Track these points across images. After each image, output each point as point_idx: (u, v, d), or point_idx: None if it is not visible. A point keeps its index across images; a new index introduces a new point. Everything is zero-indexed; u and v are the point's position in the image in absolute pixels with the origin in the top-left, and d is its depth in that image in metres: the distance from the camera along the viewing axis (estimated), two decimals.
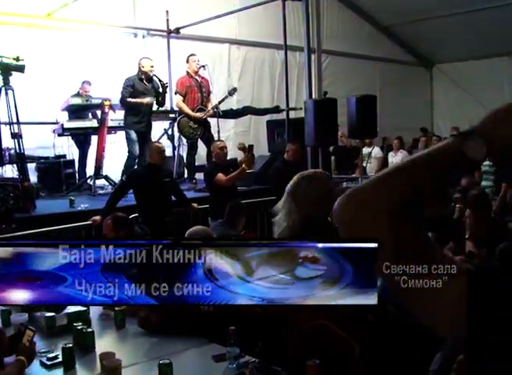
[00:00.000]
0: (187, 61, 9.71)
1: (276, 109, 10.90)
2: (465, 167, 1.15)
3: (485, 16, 13.31)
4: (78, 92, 9.70)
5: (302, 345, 3.47)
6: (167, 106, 10.57)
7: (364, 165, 12.39)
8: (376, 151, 12.83)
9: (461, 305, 0.96)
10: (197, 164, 9.91)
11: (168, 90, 10.80)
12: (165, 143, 10.40)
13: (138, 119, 9.06)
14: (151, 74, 9.07)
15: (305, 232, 3.92)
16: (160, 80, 9.23)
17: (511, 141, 1.08)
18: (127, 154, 9.14)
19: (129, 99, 8.92)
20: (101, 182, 9.35)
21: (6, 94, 7.65)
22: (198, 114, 9.48)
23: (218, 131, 9.48)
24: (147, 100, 8.96)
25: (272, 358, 3.59)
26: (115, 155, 9.51)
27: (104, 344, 3.81)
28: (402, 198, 1.12)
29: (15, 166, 8.21)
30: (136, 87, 8.99)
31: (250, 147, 7.14)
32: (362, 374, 3.38)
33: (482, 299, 0.95)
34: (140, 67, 9.12)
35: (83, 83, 9.73)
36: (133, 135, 9.04)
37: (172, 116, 10.20)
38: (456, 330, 0.98)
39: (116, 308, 4.19)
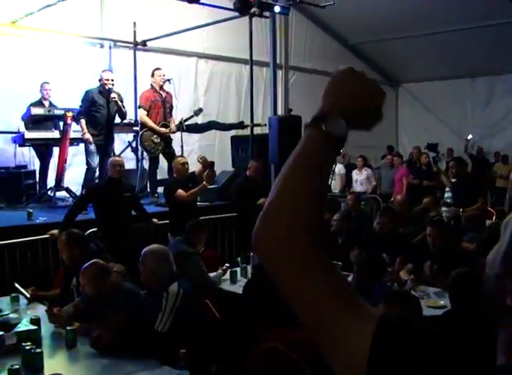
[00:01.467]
0: (152, 75, 9.66)
1: (241, 125, 10.89)
2: (335, 149, 1.09)
3: (449, 38, 13.53)
4: (40, 99, 9.56)
5: (254, 370, 3.45)
6: (131, 119, 10.49)
7: (329, 182, 12.46)
8: (339, 168, 12.95)
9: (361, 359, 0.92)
10: (159, 178, 9.83)
11: (133, 102, 10.81)
12: (129, 155, 10.38)
13: (96, 132, 8.96)
14: (107, 87, 8.94)
15: None
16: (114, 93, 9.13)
17: (356, 101, 1.10)
18: (86, 167, 9.02)
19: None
20: (61, 194, 9.21)
21: None
22: (163, 129, 9.43)
23: (182, 146, 9.42)
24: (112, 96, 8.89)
25: None
26: (76, 168, 9.36)
27: (53, 364, 3.75)
28: (312, 215, 1.04)
29: None
30: (96, 99, 8.90)
31: (212, 163, 7.11)
32: None
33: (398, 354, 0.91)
34: (99, 80, 9.05)
35: (43, 84, 9.62)
36: (92, 147, 8.93)
37: (136, 128, 10.10)
38: None
39: (68, 328, 4.12)
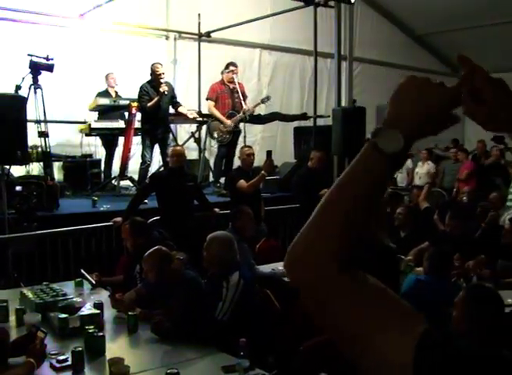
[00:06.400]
0: (227, 67, 9.62)
1: (304, 116, 10.82)
2: (390, 166, 1.02)
3: None
4: (106, 89, 9.72)
5: (314, 359, 3.42)
6: (195, 109, 10.56)
7: (395, 175, 12.23)
8: (408, 162, 12.66)
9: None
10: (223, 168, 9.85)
11: (197, 93, 10.90)
12: (192, 146, 10.46)
13: (156, 125, 9.01)
14: (159, 80, 8.90)
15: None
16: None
17: (417, 117, 1.02)
18: (141, 160, 9.11)
19: (149, 104, 8.84)
20: (125, 183, 9.36)
21: (35, 92, 7.70)
22: (229, 122, 9.43)
23: (245, 136, 9.43)
24: (163, 89, 8.87)
25: (284, 371, 3.53)
26: (140, 158, 9.44)
27: (115, 348, 3.79)
28: (341, 238, 1.00)
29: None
30: (150, 94, 8.91)
31: (269, 152, 7.08)
32: None
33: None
34: (150, 73, 9.03)
35: (108, 74, 9.79)
36: (148, 141, 9.03)
37: (199, 119, 10.17)
38: None
39: (130, 313, 4.16)
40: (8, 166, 7.06)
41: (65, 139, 9.95)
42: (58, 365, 3.46)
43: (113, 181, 9.34)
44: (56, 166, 9.23)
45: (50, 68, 7.72)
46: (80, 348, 3.48)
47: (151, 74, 9.01)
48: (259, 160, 8.26)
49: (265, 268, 5.99)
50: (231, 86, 9.60)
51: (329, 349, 3.48)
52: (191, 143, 10.55)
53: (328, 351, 3.48)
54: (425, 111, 1.02)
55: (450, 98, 1.03)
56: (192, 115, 9.49)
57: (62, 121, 9.50)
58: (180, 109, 9.38)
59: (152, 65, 9.03)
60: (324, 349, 3.52)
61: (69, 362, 3.46)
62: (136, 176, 9.22)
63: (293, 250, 1.02)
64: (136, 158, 9.33)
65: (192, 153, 10.38)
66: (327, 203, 1.02)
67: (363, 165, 1.02)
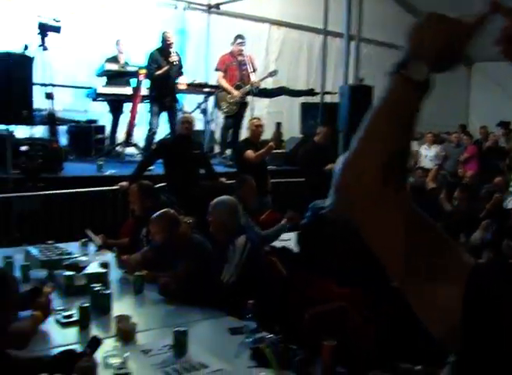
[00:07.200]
0: (234, 40, 9.57)
1: (311, 92, 10.80)
2: (418, 94, 1.04)
3: None
4: (116, 55, 9.61)
5: (319, 326, 3.42)
6: (202, 80, 10.50)
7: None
8: (413, 144, 12.65)
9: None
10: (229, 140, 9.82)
11: (204, 64, 10.84)
12: (199, 117, 10.41)
13: (164, 94, 8.97)
14: (169, 49, 8.92)
15: None
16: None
17: (439, 42, 1.05)
18: (148, 127, 9.08)
19: (157, 72, 8.81)
20: (130, 150, 9.31)
21: (43, 51, 7.61)
22: (236, 92, 9.40)
23: (252, 109, 9.40)
24: (173, 59, 8.85)
25: (290, 335, 3.53)
26: (146, 125, 9.37)
27: (120, 307, 3.79)
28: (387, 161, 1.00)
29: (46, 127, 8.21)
30: (160, 61, 8.88)
31: (278, 124, 7.05)
32: (375, 358, 3.32)
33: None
34: (161, 41, 9.00)
35: (118, 40, 9.68)
36: (155, 108, 9.00)
37: (206, 90, 10.10)
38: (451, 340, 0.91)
39: (136, 273, 4.16)
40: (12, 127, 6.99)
41: (71, 104, 9.89)
42: (64, 320, 3.46)
43: (118, 148, 9.28)
44: (60, 130, 9.17)
45: (57, 29, 7.64)
46: (87, 304, 3.47)
47: (162, 42, 8.95)
48: (265, 134, 8.22)
49: None
50: (239, 58, 9.55)
51: (335, 316, 3.49)
52: (196, 114, 10.50)
53: (333, 318, 3.48)
54: (444, 44, 1.05)
55: (466, 31, 1.08)
56: (181, 86, 9.42)
57: (68, 86, 9.43)
58: (180, 79, 9.34)
59: (163, 33, 8.98)
60: (329, 316, 3.52)
61: (76, 318, 3.46)
62: (140, 144, 9.17)
63: (343, 178, 1.03)
64: (141, 125, 9.27)
65: (197, 123, 10.33)
66: (366, 135, 1.03)
67: (394, 96, 1.05)
